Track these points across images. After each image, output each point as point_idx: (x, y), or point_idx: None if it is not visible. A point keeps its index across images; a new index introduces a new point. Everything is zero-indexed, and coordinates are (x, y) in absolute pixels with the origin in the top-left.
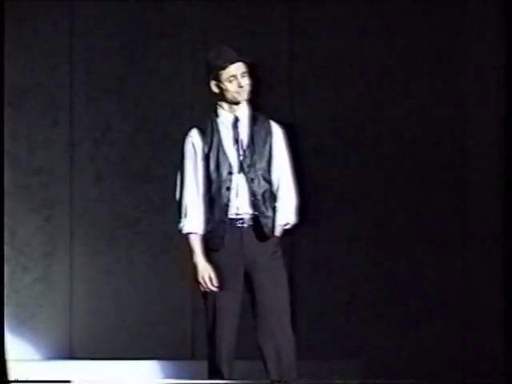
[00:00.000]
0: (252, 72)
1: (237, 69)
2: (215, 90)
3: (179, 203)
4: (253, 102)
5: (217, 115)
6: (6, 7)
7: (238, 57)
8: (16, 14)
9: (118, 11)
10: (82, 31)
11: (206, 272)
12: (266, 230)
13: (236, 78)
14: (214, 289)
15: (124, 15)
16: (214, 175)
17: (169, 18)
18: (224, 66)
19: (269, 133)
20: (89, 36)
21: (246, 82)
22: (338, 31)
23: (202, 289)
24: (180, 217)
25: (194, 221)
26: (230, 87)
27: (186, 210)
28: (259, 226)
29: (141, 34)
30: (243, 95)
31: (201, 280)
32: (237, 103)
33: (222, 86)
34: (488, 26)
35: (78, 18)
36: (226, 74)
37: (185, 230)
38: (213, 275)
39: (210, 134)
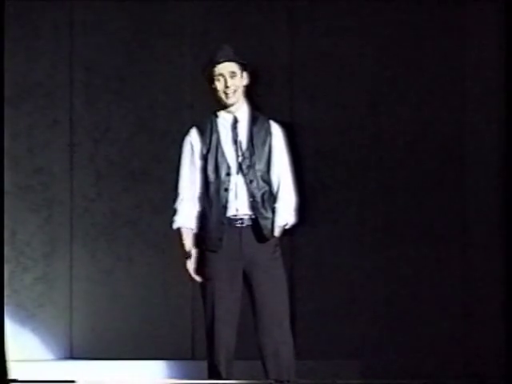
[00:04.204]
0: (249, 74)
1: (225, 68)
2: (210, 88)
3: (174, 201)
4: (252, 102)
5: (216, 115)
6: (6, 7)
7: (230, 56)
8: (16, 13)
9: (118, 11)
10: (82, 31)
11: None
12: (266, 232)
13: (224, 77)
14: (198, 279)
15: (124, 15)
16: (212, 176)
17: (169, 17)
18: (213, 63)
19: (268, 133)
20: (89, 36)
21: (234, 83)
22: (337, 32)
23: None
24: (174, 214)
25: (184, 216)
26: (219, 86)
27: (178, 207)
28: (258, 227)
29: (141, 34)
30: (230, 98)
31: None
32: (227, 105)
33: (213, 85)
34: (488, 26)
35: (78, 18)
36: (215, 71)
37: (175, 226)
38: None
39: (208, 134)
